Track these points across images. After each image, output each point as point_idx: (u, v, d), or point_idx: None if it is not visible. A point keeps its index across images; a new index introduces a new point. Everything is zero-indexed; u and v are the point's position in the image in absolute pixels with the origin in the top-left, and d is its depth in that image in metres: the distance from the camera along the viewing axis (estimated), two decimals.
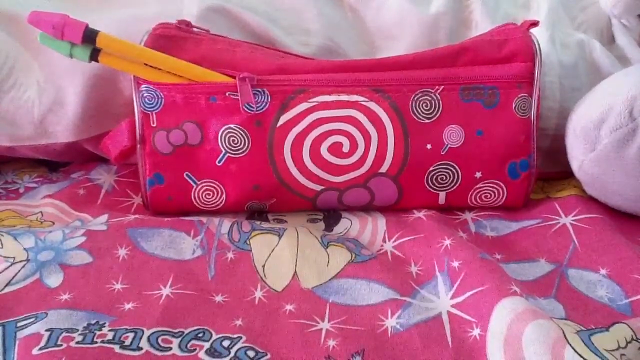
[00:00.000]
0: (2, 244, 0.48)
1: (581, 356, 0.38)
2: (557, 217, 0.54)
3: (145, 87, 0.52)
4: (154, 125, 0.53)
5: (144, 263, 0.48)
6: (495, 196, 0.55)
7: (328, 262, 0.49)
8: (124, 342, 0.40)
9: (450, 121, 0.53)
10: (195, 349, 0.40)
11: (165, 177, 0.53)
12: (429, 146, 0.53)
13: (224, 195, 0.54)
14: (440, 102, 0.53)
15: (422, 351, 0.41)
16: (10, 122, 0.58)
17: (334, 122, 0.52)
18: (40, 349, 0.39)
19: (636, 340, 0.41)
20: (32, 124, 0.58)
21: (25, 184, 0.60)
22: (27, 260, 0.47)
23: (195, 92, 0.52)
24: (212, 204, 0.54)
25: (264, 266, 0.48)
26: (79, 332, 0.41)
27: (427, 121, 0.53)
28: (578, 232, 0.52)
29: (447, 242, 0.49)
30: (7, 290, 0.45)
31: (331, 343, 0.42)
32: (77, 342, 0.40)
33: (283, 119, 0.52)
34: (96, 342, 0.40)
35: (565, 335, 0.39)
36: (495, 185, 0.55)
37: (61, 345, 0.39)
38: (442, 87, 0.53)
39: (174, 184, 0.54)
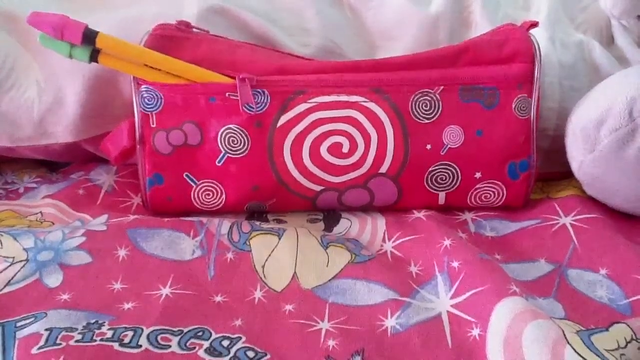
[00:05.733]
0: (1, 244, 0.48)
1: (581, 356, 0.38)
2: (556, 217, 0.54)
3: (145, 87, 0.52)
4: (154, 125, 0.53)
5: (143, 263, 0.48)
6: (494, 196, 0.55)
7: (328, 262, 0.49)
8: (123, 340, 0.40)
9: (450, 122, 0.53)
10: (194, 347, 0.40)
11: (164, 177, 0.53)
12: (428, 146, 0.53)
13: (223, 196, 0.54)
14: (440, 102, 0.53)
15: (422, 351, 0.41)
16: (10, 122, 0.58)
17: (334, 123, 0.52)
18: (40, 348, 0.39)
19: (636, 340, 0.41)
20: (32, 124, 0.58)
21: (25, 184, 0.60)
22: (27, 260, 0.47)
23: (195, 92, 0.52)
24: (212, 204, 0.54)
25: (263, 266, 0.48)
26: (79, 331, 0.41)
27: (426, 121, 0.53)
28: (578, 232, 0.52)
29: (447, 242, 0.49)
30: (6, 290, 0.45)
31: (331, 343, 0.41)
32: (77, 341, 0.40)
33: (283, 120, 0.52)
34: (95, 340, 0.40)
35: (565, 335, 0.39)
36: (494, 186, 0.55)
37: (60, 344, 0.39)
38: (442, 87, 0.53)
39: (174, 185, 0.54)
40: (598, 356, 0.38)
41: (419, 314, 0.44)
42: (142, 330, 0.41)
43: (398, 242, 0.52)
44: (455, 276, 0.46)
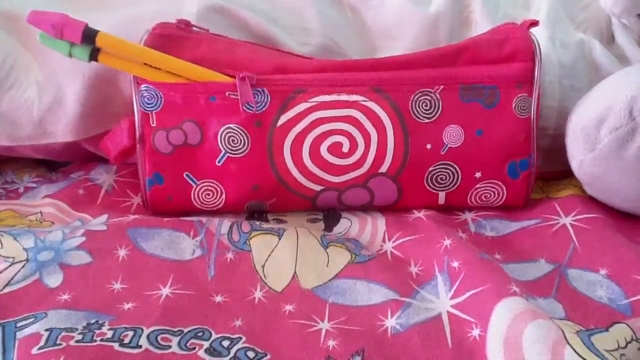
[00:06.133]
0: (1, 244, 0.48)
1: (581, 356, 0.38)
2: (557, 217, 0.54)
3: (145, 86, 0.52)
4: (154, 125, 0.53)
5: (143, 263, 0.48)
6: (495, 196, 0.55)
7: (328, 262, 0.49)
8: (123, 340, 0.40)
9: (450, 121, 0.53)
10: (194, 348, 0.40)
11: (164, 177, 0.53)
12: (428, 146, 0.53)
13: (223, 195, 0.54)
14: (440, 102, 0.53)
15: (422, 351, 0.41)
16: (10, 121, 0.58)
17: (334, 122, 0.52)
18: (40, 348, 0.39)
19: (636, 340, 0.41)
20: (32, 124, 0.58)
21: (25, 184, 0.60)
22: (27, 260, 0.47)
23: (195, 91, 0.52)
24: (212, 203, 0.54)
25: (263, 266, 0.48)
26: (79, 331, 0.41)
27: (427, 121, 0.53)
28: (578, 232, 0.52)
29: (447, 242, 0.49)
30: (6, 290, 0.45)
31: (331, 343, 0.41)
32: (77, 341, 0.40)
33: (283, 119, 0.52)
34: (95, 341, 0.40)
35: (565, 336, 0.39)
36: (495, 185, 0.55)
37: (60, 344, 0.39)
38: (442, 87, 0.53)
39: (174, 184, 0.54)
40: (598, 356, 0.38)
41: (419, 314, 0.44)
42: (142, 330, 0.41)
43: (398, 242, 0.52)
44: (455, 276, 0.46)
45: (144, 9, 0.60)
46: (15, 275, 0.46)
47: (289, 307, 0.45)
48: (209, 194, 0.54)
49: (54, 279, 0.46)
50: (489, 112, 0.53)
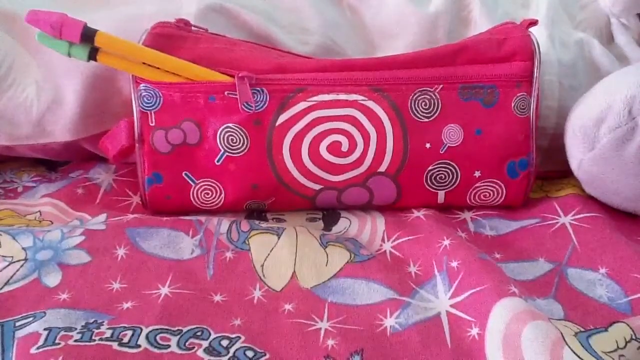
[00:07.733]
0: (0, 243, 0.48)
1: (579, 357, 0.38)
2: (556, 217, 0.54)
3: (144, 86, 0.52)
4: (153, 124, 0.53)
5: (142, 262, 0.48)
6: (494, 195, 0.55)
7: (327, 261, 0.49)
8: (122, 339, 0.40)
9: (449, 120, 0.53)
10: (193, 347, 0.40)
11: (163, 176, 0.53)
12: (428, 145, 0.53)
13: (222, 195, 0.54)
14: (440, 101, 0.53)
15: (421, 351, 0.41)
16: (9, 121, 0.58)
17: (333, 121, 0.52)
18: (38, 347, 0.39)
19: (636, 339, 0.41)
20: (31, 123, 0.58)
21: (23, 184, 0.60)
22: (26, 259, 0.47)
23: (194, 91, 0.52)
24: (211, 203, 0.54)
25: (262, 266, 0.48)
26: (77, 330, 0.41)
27: (426, 120, 0.53)
28: (577, 231, 0.52)
29: (446, 242, 0.49)
30: (5, 289, 0.45)
31: (330, 342, 0.41)
32: (76, 341, 0.40)
33: (282, 118, 0.52)
34: (94, 340, 0.40)
35: (563, 337, 0.39)
36: (494, 185, 0.55)
37: (59, 343, 0.39)
38: (441, 86, 0.53)
39: (173, 183, 0.54)
40: (596, 358, 0.38)
41: (418, 314, 0.44)
42: (141, 329, 0.41)
43: (397, 241, 0.51)
44: (454, 276, 0.46)
45: (143, 8, 0.60)
46: (14, 274, 0.46)
47: (288, 307, 0.45)
48: (208, 193, 0.54)
49: (52, 278, 0.46)
50: (488, 112, 0.53)
